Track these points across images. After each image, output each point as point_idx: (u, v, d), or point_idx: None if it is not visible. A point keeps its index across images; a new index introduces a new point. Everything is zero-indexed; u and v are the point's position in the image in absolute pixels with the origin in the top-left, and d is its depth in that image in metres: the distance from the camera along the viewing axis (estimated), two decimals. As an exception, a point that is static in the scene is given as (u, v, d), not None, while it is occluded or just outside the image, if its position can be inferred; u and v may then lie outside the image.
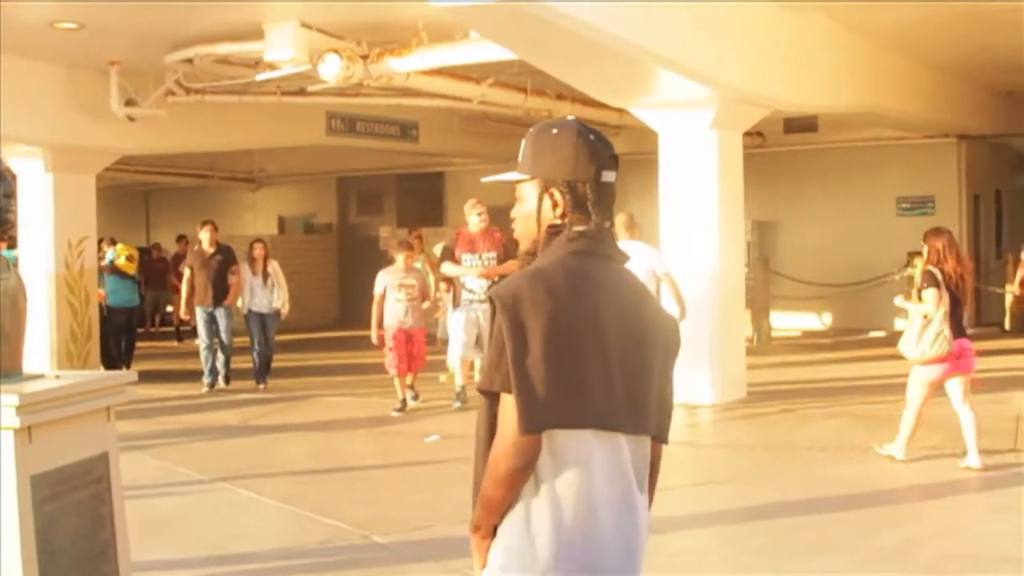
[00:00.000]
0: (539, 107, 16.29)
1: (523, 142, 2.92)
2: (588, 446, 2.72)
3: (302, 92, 15.46)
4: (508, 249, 11.53)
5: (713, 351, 12.20)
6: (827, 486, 8.61)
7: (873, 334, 19.77)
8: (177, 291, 17.47)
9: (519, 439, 2.63)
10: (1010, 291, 18.96)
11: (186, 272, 14.53)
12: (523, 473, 2.67)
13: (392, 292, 12.02)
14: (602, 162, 2.83)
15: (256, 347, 14.31)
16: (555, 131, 2.86)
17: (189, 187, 25.78)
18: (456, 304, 12.05)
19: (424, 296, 12.39)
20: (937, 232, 9.26)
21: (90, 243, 15.46)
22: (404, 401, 12.12)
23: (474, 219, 11.81)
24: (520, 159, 2.89)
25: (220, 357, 14.30)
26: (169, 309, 22.25)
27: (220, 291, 14.16)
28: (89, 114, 14.46)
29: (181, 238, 22.36)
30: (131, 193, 27.44)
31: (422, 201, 25.34)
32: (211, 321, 14.13)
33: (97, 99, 14.24)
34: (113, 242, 17.68)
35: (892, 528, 7.38)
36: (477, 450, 2.80)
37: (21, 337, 3.92)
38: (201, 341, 14.29)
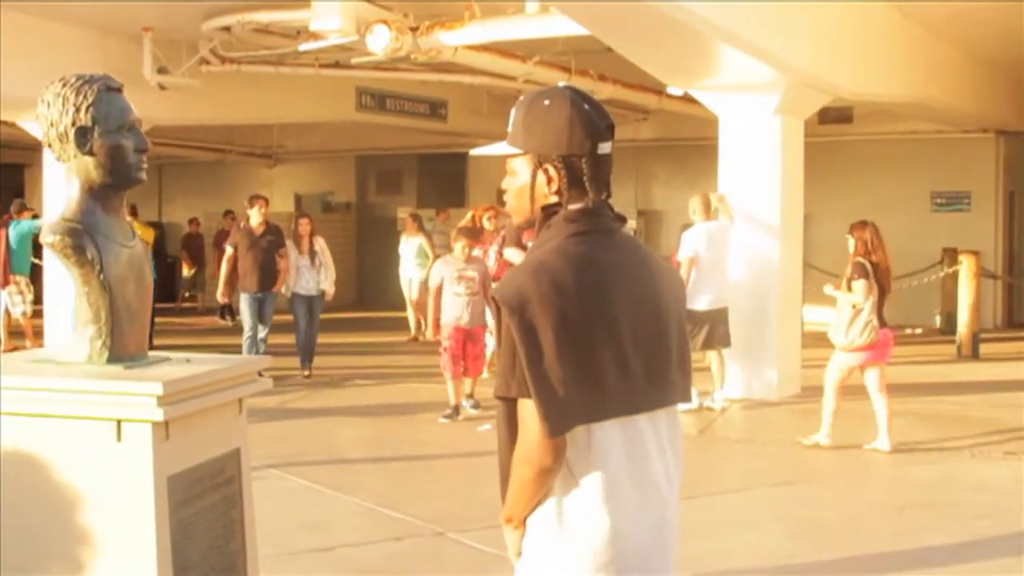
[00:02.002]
0: (581, 87, 15.78)
1: (513, 112, 2.80)
2: (611, 435, 2.68)
3: (338, 65, 14.99)
4: None
5: (772, 345, 11.79)
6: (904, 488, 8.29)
7: (908, 331, 19.34)
8: (218, 269, 16.07)
9: (544, 442, 2.58)
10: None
11: (228, 250, 13.18)
12: (552, 473, 2.65)
13: (450, 285, 10.53)
14: (598, 134, 2.73)
15: (302, 331, 13.26)
16: (547, 102, 2.74)
17: (204, 162, 25.24)
18: None
19: (486, 289, 10.56)
20: (863, 224, 9.55)
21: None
22: (456, 408, 10.63)
23: None
24: (510, 130, 2.79)
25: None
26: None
27: (269, 275, 12.88)
28: (121, 83, 13.90)
29: (228, 213, 21.46)
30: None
31: (443, 182, 24.84)
32: (258, 308, 12.88)
33: (129, 66, 13.70)
34: (133, 213, 17.16)
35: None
36: (500, 450, 2.76)
37: (147, 314, 3.47)
38: (246, 329, 12.90)
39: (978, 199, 20.17)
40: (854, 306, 9.22)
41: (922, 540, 6.94)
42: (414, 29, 12.29)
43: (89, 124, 3.34)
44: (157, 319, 16.44)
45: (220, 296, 14.07)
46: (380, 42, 11.99)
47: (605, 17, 10.39)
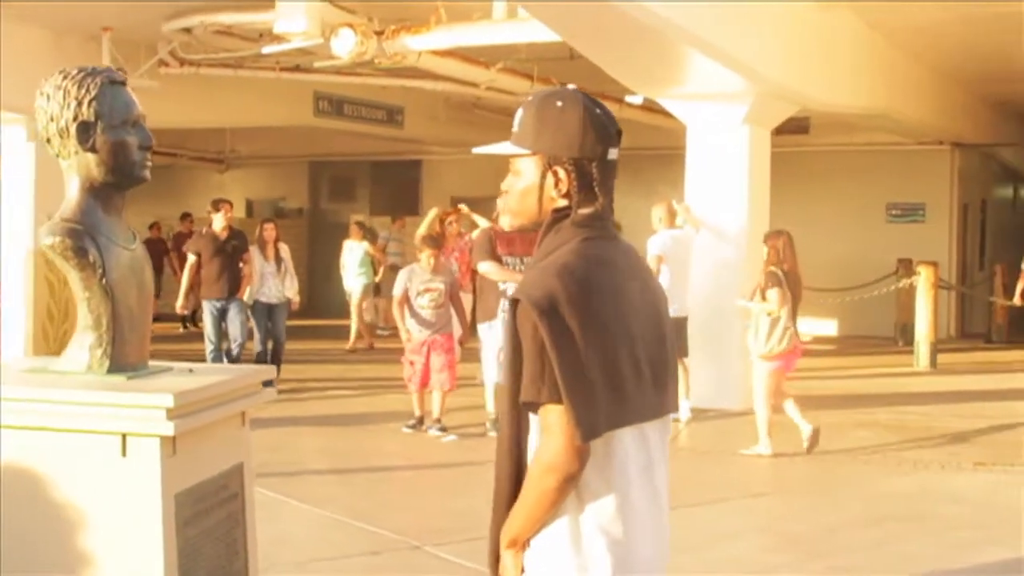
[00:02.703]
0: (543, 95, 15.70)
1: (520, 111, 2.74)
2: (624, 443, 2.64)
3: (298, 69, 14.78)
4: None
5: (736, 355, 11.70)
6: (880, 500, 8.26)
7: (863, 342, 19.44)
8: (178, 277, 15.58)
9: (573, 448, 2.51)
10: (1004, 302, 18.64)
11: (190, 258, 12.43)
12: (575, 482, 2.56)
13: (414, 296, 10.07)
14: (609, 139, 2.70)
15: (261, 342, 12.81)
16: (559, 103, 2.69)
17: (154, 166, 24.58)
18: (488, 315, 10.09)
19: (455, 299, 10.33)
20: (777, 233, 9.66)
21: (71, 218, 14.61)
22: (420, 418, 10.26)
23: None
24: (517, 130, 2.72)
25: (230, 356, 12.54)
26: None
27: (234, 282, 12.31)
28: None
29: (186, 216, 20.99)
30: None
31: (397, 189, 24.64)
32: (221, 317, 12.25)
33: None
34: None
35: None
36: (500, 463, 2.70)
37: (149, 321, 3.29)
38: (209, 341, 12.23)
39: (933, 210, 20.32)
40: (770, 314, 9.29)
41: (905, 553, 6.88)
42: (379, 33, 12.12)
43: (92, 119, 3.14)
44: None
45: (180, 307, 13.23)
46: (345, 46, 11.80)
47: (576, 24, 10.31)
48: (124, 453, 2.89)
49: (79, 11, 12.45)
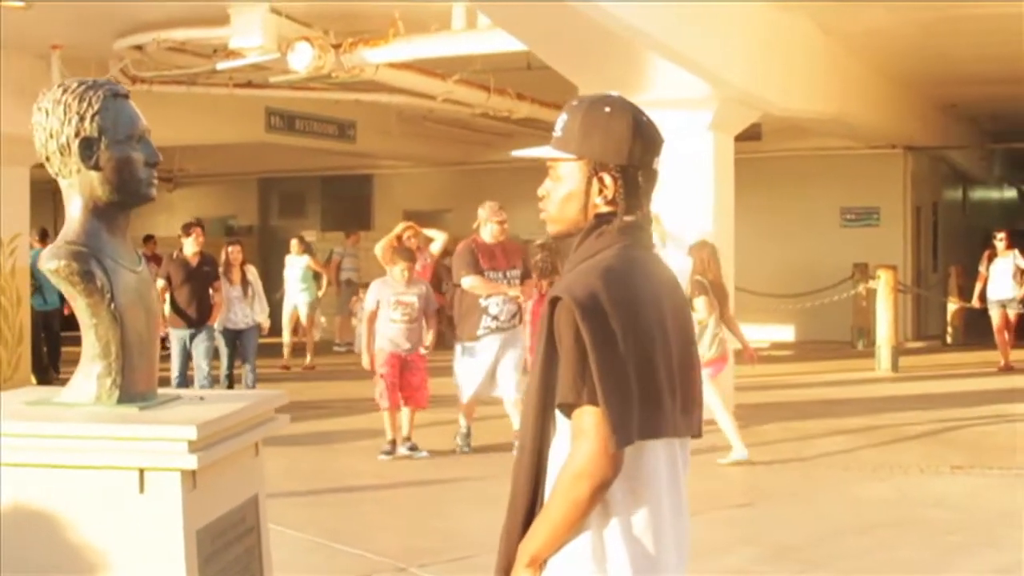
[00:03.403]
0: (499, 106, 15.61)
1: (565, 116, 2.68)
2: (657, 456, 2.56)
3: (251, 84, 14.54)
4: (526, 264, 10.01)
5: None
6: (864, 507, 8.21)
7: (821, 347, 19.47)
8: None
9: (608, 454, 2.41)
10: (962, 304, 18.75)
11: (159, 283, 11.32)
12: (605, 490, 2.46)
13: (386, 310, 9.72)
14: (656, 149, 2.66)
15: (227, 368, 12.36)
16: (607, 109, 2.64)
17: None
18: (467, 334, 9.78)
19: (428, 314, 9.93)
20: (703, 244, 9.92)
21: (23, 240, 14.24)
22: (394, 442, 9.84)
23: (493, 227, 9.76)
24: (561, 134, 2.66)
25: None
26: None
27: (205, 309, 11.79)
28: (26, 101, 13.13)
29: (149, 239, 20.50)
30: (39, 190, 25.87)
31: (348, 204, 24.45)
32: (185, 347, 11.71)
33: (36, 85, 13.00)
34: (43, 237, 16.47)
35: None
36: (518, 472, 2.59)
37: (157, 347, 3.10)
38: (175, 371, 11.65)
39: (887, 214, 20.43)
40: (699, 323, 9.31)
41: (899, 559, 6.80)
42: (336, 46, 11.93)
43: (95, 135, 2.94)
44: (65, 348, 15.89)
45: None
46: (302, 60, 11.60)
47: (539, 29, 10.17)
48: (142, 489, 2.71)
49: (27, 28, 12.14)
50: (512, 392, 9.69)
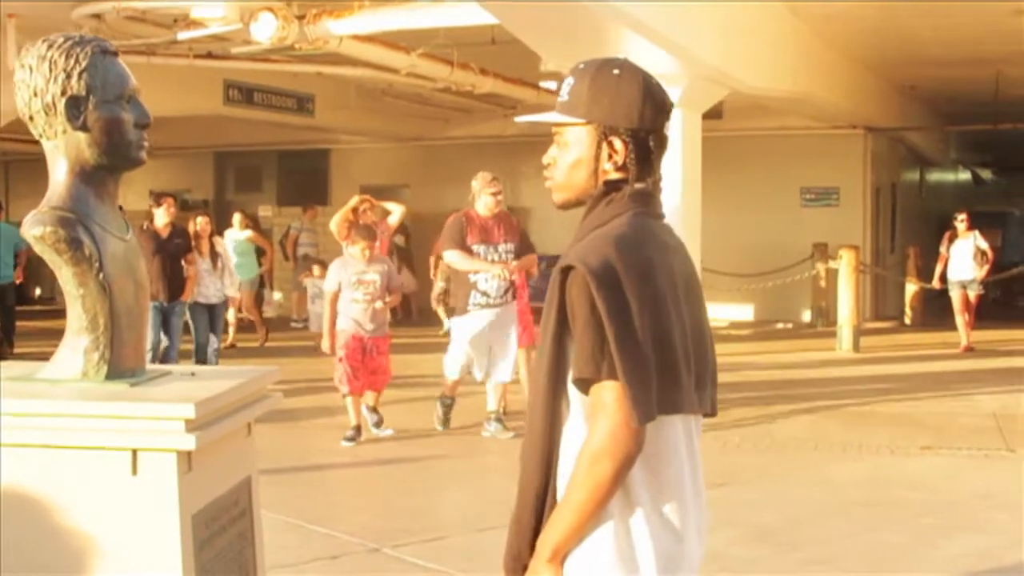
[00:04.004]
0: (462, 81, 15.43)
1: (571, 79, 2.56)
2: (677, 433, 2.45)
3: (211, 56, 14.27)
4: (525, 239, 9.67)
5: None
6: (837, 488, 8.16)
7: (780, 326, 19.49)
8: None
9: (631, 429, 2.28)
10: (922, 285, 18.79)
11: None
12: (629, 468, 2.32)
13: (348, 290, 9.36)
14: (666, 113, 2.57)
15: (202, 345, 11.99)
16: (617, 71, 2.53)
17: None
18: (459, 308, 9.51)
19: (392, 292, 9.66)
20: None
21: (-27, 213, 13.96)
22: (358, 427, 9.44)
23: (488, 200, 9.31)
24: (567, 98, 2.54)
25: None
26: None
27: (177, 283, 11.38)
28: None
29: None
30: (-12, 162, 25.53)
31: (305, 179, 24.15)
32: (163, 322, 11.26)
33: (-10, 55, 12.78)
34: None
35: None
36: (528, 452, 2.45)
37: (146, 320, 2.92)
38: (147, 346, 11.34)
39: (846, 194, 20.43)
40: None
41: (879, 542, 6.74)
42: (300, 17, 11.71)
43: (83, 93, 2.74)
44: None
45: None
46: (265, 31, 11.37)
47: (512, 7, 10.00)
48: (135, 471, 2.53)
49: (-18, -4, 11.85)
50: (508, 375, 9.54)
